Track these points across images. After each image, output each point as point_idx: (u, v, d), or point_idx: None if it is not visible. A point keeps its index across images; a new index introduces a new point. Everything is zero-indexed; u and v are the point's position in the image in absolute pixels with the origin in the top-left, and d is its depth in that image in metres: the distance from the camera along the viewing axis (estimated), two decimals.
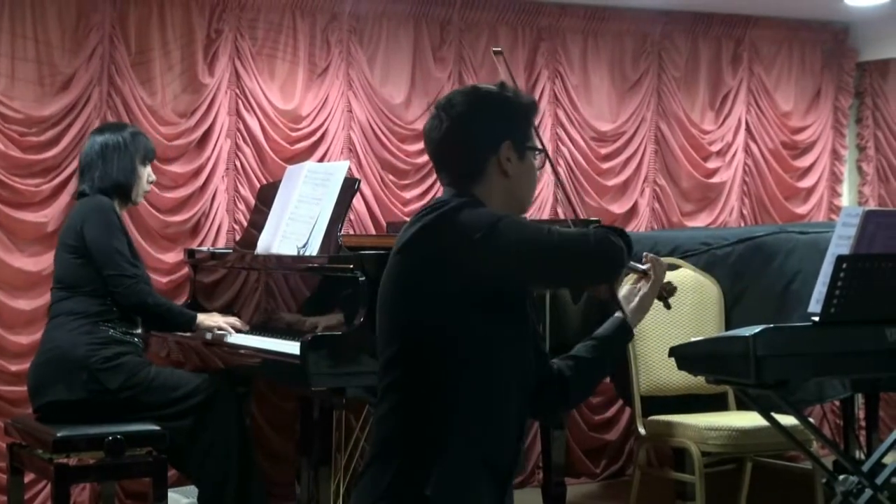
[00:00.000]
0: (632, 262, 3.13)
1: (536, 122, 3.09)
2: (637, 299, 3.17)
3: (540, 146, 3.06)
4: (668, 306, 3.29)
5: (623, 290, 3.17)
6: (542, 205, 6.83)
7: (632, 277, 3.22)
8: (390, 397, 2.86)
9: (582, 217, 6.70)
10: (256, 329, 5.25)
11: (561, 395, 3.10)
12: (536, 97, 6.85)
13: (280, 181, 5.68)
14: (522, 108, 3.02)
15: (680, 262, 5.84)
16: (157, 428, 4.93)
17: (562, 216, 6.84)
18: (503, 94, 3.01)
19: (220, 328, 5.22)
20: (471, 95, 3.00)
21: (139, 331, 5.25)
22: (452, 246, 2.79)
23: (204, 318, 5.27)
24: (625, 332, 3.14)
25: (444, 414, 2.80)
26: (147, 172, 5.38)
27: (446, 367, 2.81)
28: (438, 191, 6.32)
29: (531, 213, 6.64)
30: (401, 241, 2.89)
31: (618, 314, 3.14)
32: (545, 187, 6.84)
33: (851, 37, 7.76)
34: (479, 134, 2.95)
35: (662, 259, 3.25)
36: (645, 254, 3.25)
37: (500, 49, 3.58)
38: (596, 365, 3.13)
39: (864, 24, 7.65)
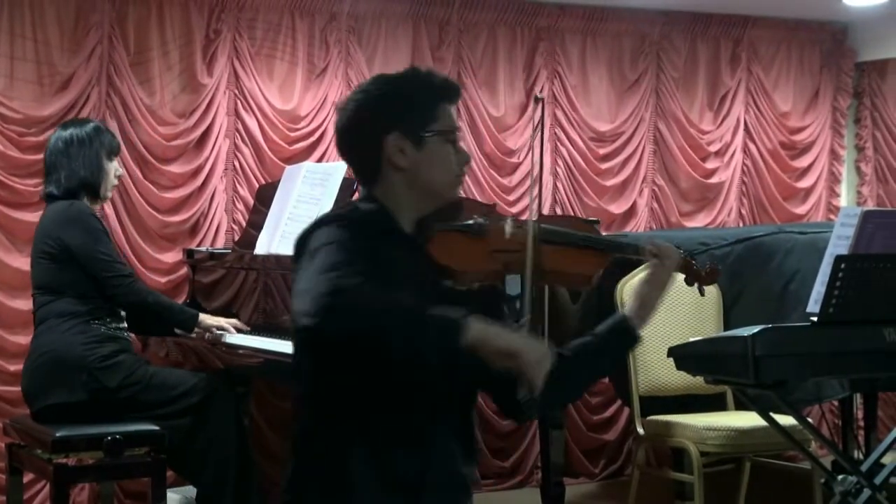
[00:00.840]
0: (624, 242, 3.00)
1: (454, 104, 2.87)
2: (638, 296, 2.97)
3: (447, 128, 2.82)
4: (701, 293, 3.13)
5: (634, 283, 3.00)
6: (541, 204, 6.82)
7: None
8: (295, 399, 2.84)
9: (581, 215, 6.74)
10: (255, 329, 5.25)
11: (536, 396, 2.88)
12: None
13: (279, 181, 5.68)
14: (421, 92, 2.83)
15: None
16: (156, 428, 4.93)
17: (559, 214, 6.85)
18: (396, 81, 2.86)
19: (220, 327, 5.22)
20: (359, 91, 2.86)
21: (125, 325, 5.23)
22: (297, 267, 2.71)
23: (205, 317, 5.28)
24: (625, 332, 2.94)
25: (326, 422, 2.74)
26: (113, 167, 5.27)
27: (324, 377, 2.74)
28: None
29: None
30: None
31: (621, 311, 2.96)
32: (545, 187, 6.83)
33: (850, 37, 7.76)
34: (361, 132, 2.82)
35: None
36: (651, 242, 3.01)
37: (541, 97, 3.34)
38: (583, 365, 2.93)
39: (862, 24, 7.65)
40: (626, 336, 2.94)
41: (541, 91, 6.83)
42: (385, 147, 2.78)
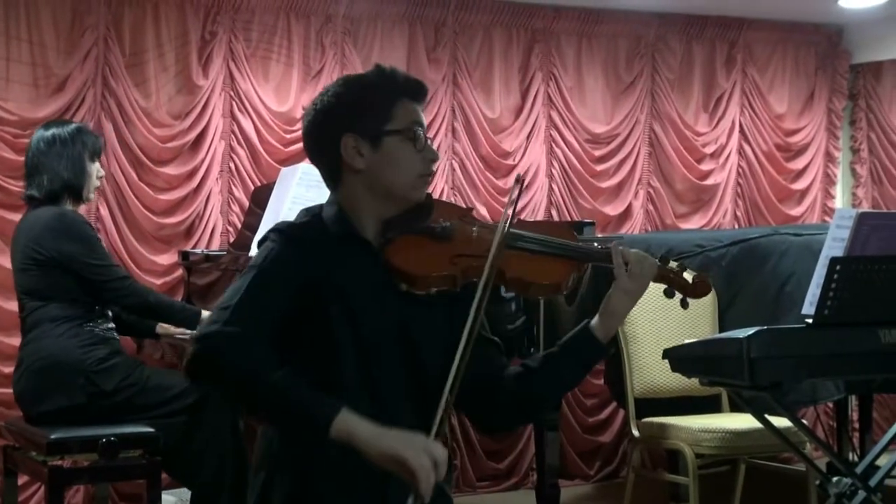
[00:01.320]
0: (588, 249, 2.86)
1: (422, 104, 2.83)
2: (604, 305, 2.81)
3: (405, 127, 2.76)
4: (683, 306, 2.93)
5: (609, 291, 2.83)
6: (536, 208, 6.83)
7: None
8: None
9: (577, 219, 6.74)
10: None
11: (497, 408, 2.84)
12: (531, 99, 6.86)
13: (274, 183, 5.67)
14: (378, 92, 2.79)
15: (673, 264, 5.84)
16: (151, 430, 4.92)
17: (555, 217, 6.85)
18: (356, 81, 2.84)
19: None
20: (323, 93, 2.84)
21: (113, 325, 5.21)
22: None
23: (208, 315, 5.26)
24: (588, 342, 2.79)
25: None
26: (96, 168, 5.23)
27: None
28: (433, 192, 6.32)
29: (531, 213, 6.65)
30: None
31: (589, 319, 2.82)
32: (538, 190, 6.84)
33: (845, 39, 7.77)
34: (319, 135, 2.81)
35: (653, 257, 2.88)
36: (613, 245, 2.84)
37: (522, 178, 3.09)
38: (547, 377, 2.82)
39: (857, 26, 7.66)
40: (590, 346, 2.81)
41: (535, 118, 6.84)
42: (342, 148, 2.76)
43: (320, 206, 2.84)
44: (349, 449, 2.50)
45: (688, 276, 2.94)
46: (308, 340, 2.68)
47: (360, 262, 2.74)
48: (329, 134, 2.78)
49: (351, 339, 2.69)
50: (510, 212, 2.72)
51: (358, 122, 2.76)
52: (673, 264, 2.94)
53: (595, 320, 2.81)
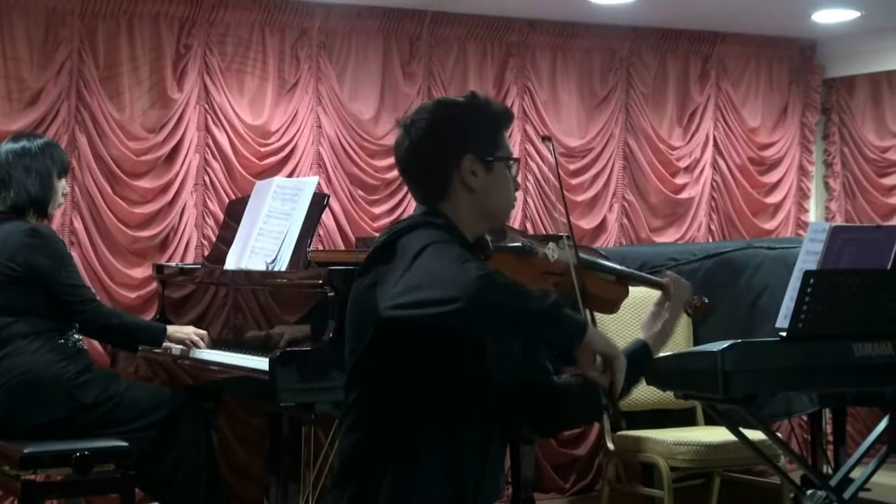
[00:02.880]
0: (649, 277, 3.17)
1: (509, 132, 3.06)
2: (660, 323, 3.13)
3: (510, 154, 2.96)
4: (694, 319, 3.37)
5: (648, 313, 3.16)
6: (511, 221, 6.81)
7: (655, 298, 3.19)
8: (351, 416, 2.85)
9: (551, 232, 6.75)
10: (225, 344, 5.23)
11: (558, 414, 3.06)
12: None
13: (249, 196, 5.67)
14: (488, 118, 2.93)
15: None
16: (125, 444, 4.90)
17: (530, 231, 6.85)
18: (468, 104, 2.94)
19: (190, 339, 5.20)
20: (433, 111, 2.92)
21: (81, 337, 5.19)
22: (386, 270, 2.74)
23: (174, 330, 5.25)
24: (647, 355, 3.09)
25: (393, 435, 2.78)
26: (62, 185, 5.22)
27: (392, 388, 2.79)
28: (408, 206, 6.33)
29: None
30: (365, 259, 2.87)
31: (641, 336, 3.11)
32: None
33: (818, 54, 7.80)
34: (438, 150, 2.89)
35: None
36: (671, 276, 3.20)
37: (548, 137, 3.50)
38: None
39: (830, 41, 7.69)
40: (647, 361, 3.09)
41: (512, 104, 6.85)
42: (461, 168, 2.86)
43: (422, 216, 2.89)
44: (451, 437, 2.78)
45: (691, 298, 3.28)
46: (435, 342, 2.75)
47: None
48: (449, 151, 2.88)
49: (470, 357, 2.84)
50: (553, 160, 3.03)
51: (478, 145, 2.89)
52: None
53: (650, 340, 3.12)
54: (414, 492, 2.76)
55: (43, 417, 4.90)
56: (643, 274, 3.31)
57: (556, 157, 3.37)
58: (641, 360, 3.05)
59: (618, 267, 3.26)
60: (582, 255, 3.11)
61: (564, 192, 6.97)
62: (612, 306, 3.21)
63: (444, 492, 2.79)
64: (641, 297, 3.30)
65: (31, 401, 4.90)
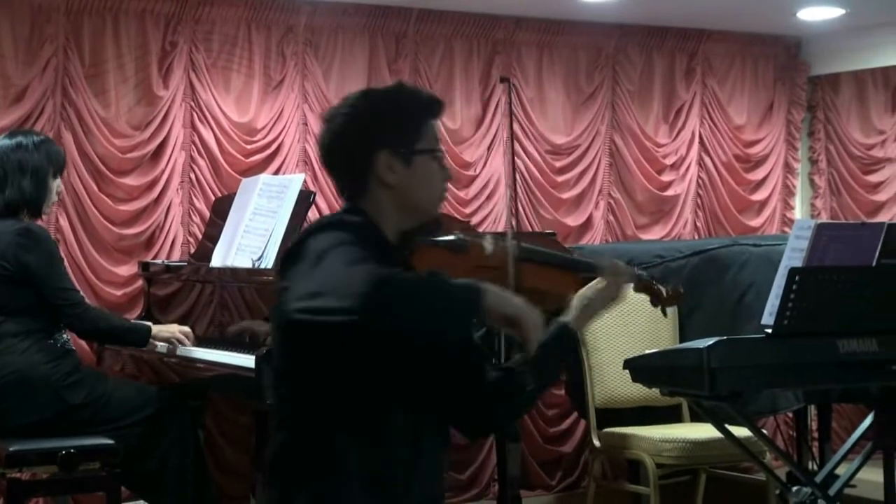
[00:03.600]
0: (585, 260, 3.05)
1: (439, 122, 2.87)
2: (582, 304, 3.00)
3: (433, 147, 2.85)
4: (664, 314, 3.25)
5: (582, 290, 3.02)
6: (497, 218, 6.83)
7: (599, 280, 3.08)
8: (276, 417, 2.80)
9: (537, 229, 6.75)
10: (211, 342, 5.23)
11: (491, 411, 2.94)
12: (491, 110, 6.87)
13: (235, 194, 5.66)
14: (408, 110, 2.84)
15: None
16: (111, 442, 4.89)
17: (516, 229, 6.84)
18: (386, 97, 2.87)
19: (175, 338, 5.19)
20: (352, 104, 2.83)
21: (69, 337, 5.18)
22: (295, 272, 2.68)
23: (159, 330, 5.24)
24: (569, 338, 2.98)
25: (313, 438, 2.71)
26: (57, 184, 5.21)
27: (310, 390, 2.72)
28: None
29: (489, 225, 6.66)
30: (280, 261, 2.82)
31: (561, 317, 2.96)
32: (499, 201, 6.84)
33: (804, 51, 7.81)
34: (352, 146, 2.80)
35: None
36: (611, 261, 3.09)
37: (506, 77, 3.33)
38: (528, 373, 2.90)
39: (816, 38, 7.70)
40: (567, 337, 2.97)
41: (497, 126, 6.85)
42: (375, 164, 2.78)
43: (338, 215, 2.85)
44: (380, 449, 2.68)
45: (662, 287, 3.21)
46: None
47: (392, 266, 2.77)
48: (362, 147, 2.80)
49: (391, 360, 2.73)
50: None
51: (393, 139, 2.79)
52: (647, 276, 3.22)
53: (573, 317, 2.98)
54: (334, 498, 2.68)
55: (30, 417, 4.89)
56: (579, 258, 3.17)
57: (510, 101, 3.20)
58: (562, 341, 2.96)
59: (559, 254, 3.12)
60: (524, 245, 2.99)
61: (550, 189, 6.99)
62: (558, 299, 3.02)
63: (367, 499, 2.68)
64: (639, 298, 3.24)
65: (19, 401, 4.89)
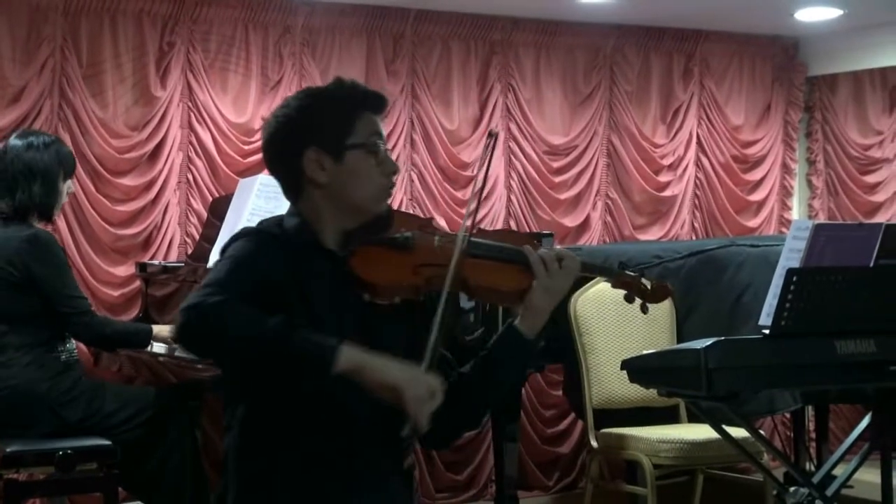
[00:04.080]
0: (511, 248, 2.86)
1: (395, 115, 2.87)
2: (526, 303, 2.83)
3: (365, 141, 2.77)
4: (643, 310, 3.01)
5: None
6: (495, 219, 6.84)
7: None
8: (226, 419, 2.82)
9: (535, 230, 6.75)
10: None
11: (452, 419, 2.79)
12: (489, 111, 6.87)
13: (232, 194, 5.66)
14: (336, 104, 2.79)
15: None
16: (108, 442, 4.88)
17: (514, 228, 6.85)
18: (318, 94, 2.83)
19: (173, 338, 5.18)
20: (284, 105, 2.82)
21: (74, 344, 5.16)
22: None
23: (159, 330, 5.23)
24: (515, 338, 2.81)
25: (244, 445, 2.75)
26: (67, 186, 5.16)
27: (238, 397, 2.76)
28: (393, 203, 6.31)
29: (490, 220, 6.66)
30: None
31: (513, 319, 2.84)
32: (497, 201, 6.85)
33: (801, 51, 7.82)
34: (281, 147, 2.79)
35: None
36: (526, 247, 2.86)
37: (496, 132, 3.10)
38: (480, 382, 2.85)
39: (813, 39, 7.71)
40: (518, 343, 2.82)
41: (495, 126, 6.85)
42: (304, 163, 2.76)
43: (281, 217, 2.84)
44: (310, 462, 2.61)
45: (646, 281, 3.02)
46: None
47: (322, 271, 2.74)
48: (290, 147, 2.77)
49: None
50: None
51: (320, 136, 2.75)
52: (630, 272, 3.03)
53: (518, 318, 2.84)
54: (263, 477, 2.69)
55: (27, 434, 4.86)
56: (510, 248, 2.90)
57: (491, 154, 2.97)
58: (510, 344, 2.82)
59: (508, 247, 2.89)
60: (474, 240, 2.83)
61: (548, 189, 7.00)
62: (513, 297, 2.87)
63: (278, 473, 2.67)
64: (608, 303, 3.14)
65: (15, 418, 4.85)
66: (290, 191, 2.83)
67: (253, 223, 5.23)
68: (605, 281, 3.06)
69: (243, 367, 2.57)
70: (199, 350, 2.59)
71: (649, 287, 3.02)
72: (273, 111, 2.86)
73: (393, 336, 2.78)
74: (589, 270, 2.98)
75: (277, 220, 2.83)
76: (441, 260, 2.78)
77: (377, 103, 2.84)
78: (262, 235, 2.75)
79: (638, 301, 3.01)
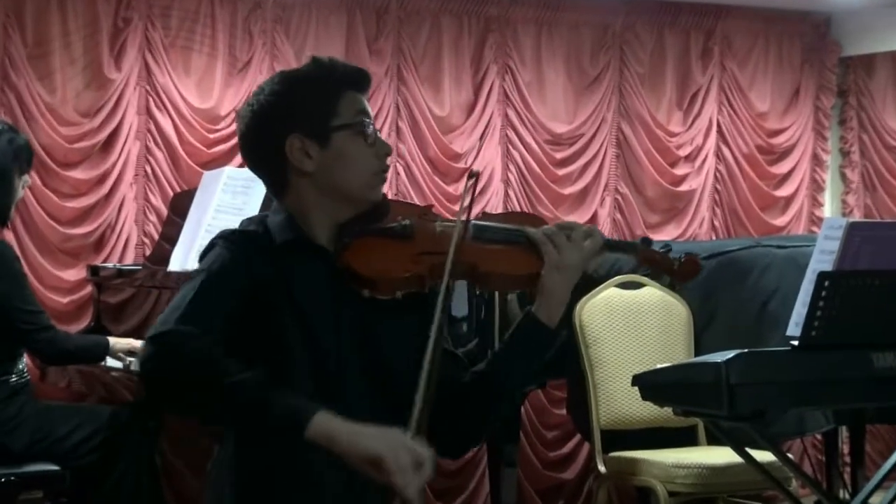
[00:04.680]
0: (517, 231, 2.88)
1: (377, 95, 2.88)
2: (538, 284, 2.84)
3: (351, 121, 2.79)
4: (674, 287, 3.11)
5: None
6: (494, 210, 6.83)
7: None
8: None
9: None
10: None
11: (469, 421, 2.87)
12: (484, 95, 6.87)
13: (196, 189, 5.66)
14: (316, 86, 2.81)
15: (643, 279, 5.86)
16: (56, 468, 4.88)
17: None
18: (294, 77, 2.84)
19: (132, 350, 5.18)
20: (257, 93, 2.83)
21: (24, 362, 5.15)
22: None
23: (115, 342, 5.23)
24: (534, 325, 2.82)
25: (230, 452, 2.81)
26: (24, 181, 5.18)
27: None
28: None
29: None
30: None
31: (530, 307, 2.85)
32: (493, 196, 6.85)
33: (834, 29, 7.83)
34: (260, 137, 2.80)
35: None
36: (551, 226, 2.89)
37: (477, 172, 3.08)
38: (500, 375, 2.85)
39: (847, 15, 7.72)
40: (536, 331, 2.83)
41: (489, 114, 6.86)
42: (287, 151, 2.77)
43: (265, 215, 2.86)
44: (313, 465, 2.63)
45: (673, 257, 3.05)
46: (260, 355, 2.66)
47: (314, 269, 2.76)
48: (270, 137, 2.78)
49: (306, 352, 2.71)
50: (467, 201, 2.74)
51: (302, 121, 2.77)
52: (654, 248, 3.06)
53: (535, 305, 2.84)
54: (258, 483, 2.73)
55: None
56: (514, 228, 2.92)
57: (472, 198, 2.92)
58: (529, 332, 2.83)
59: (513, 228, 2.90)
60: (477, 223, 2.86)
61: (550, 183, 7.00)
62: (527, 280, 2.88)
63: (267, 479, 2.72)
64: (639, 301, 3.18)
65: None
66: (274, 185, 2.85)
67: (219, 220, 5.30)
68: (628, 258, 3.09)
69: (206, 410, 2.57)
70: (159, 391, 2.57)
71: (677, 264, 3.04)
72: (247, 100, 2.86)
73: (398, 335, 2.80)
74: (612, 248, 3.00)
75: (260, 218, 2.84)
76: (444, 247, 2.77)
77: (360, 80, 2.87)
78: (242, 237, 2.77)
79: (667, 279, 3.07)
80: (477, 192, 2.79)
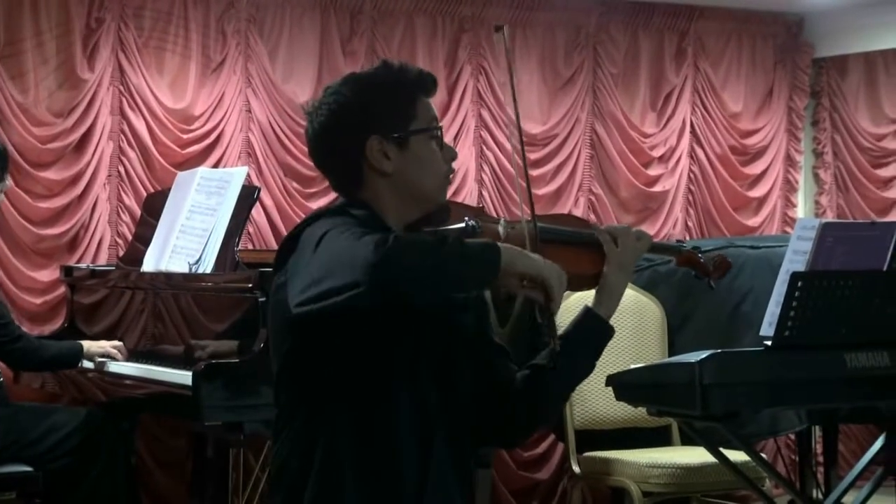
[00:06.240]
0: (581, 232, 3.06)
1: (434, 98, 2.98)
2: (601, 282, 3.04)
3: (428, 125, 2.91)
4: (710, 286, 3.29)
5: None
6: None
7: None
8: (277, 428, 2.87)
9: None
10: (143, 356, 5.21)
11: (513, 417, 3.00)
12: (458, 96, 6.88)
13: (169, 189, 5.65)
14: (395, 90, 2.91)
15: None
16: (29, 469, 4.87)
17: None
18: (369, 79, 2.93)
19: (106, 353, 5.17)
20: (335, 92, 2.90)
21: None
22: (293, 265, 2.75)
23: (89, 346, 5.22)
24: (596, 322, 3.01)
25: (314, 448, 2.79)
26: (2, 186, 5.19)
27: (312, 397, 2.80)
28: None
29: None
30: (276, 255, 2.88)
31: (587, 303, 3.02)
32: (467, 197, 6.85)
33: (807, 30, 7.85)
34: (339, 137, 2.88)
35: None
36: (594, 224, 3.15)
37: (501, 26, 3.23)
38: (561, 371, 2.97)
39: (820, 16, 7.74)
40: (598, 328, 3.01)
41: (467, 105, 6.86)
42: (367, 152, 2.84)
43: (344, 203, 2.91)
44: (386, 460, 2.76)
45: (707, 258, 3.32)
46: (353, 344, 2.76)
47: None
48: (350, 137, 2.86)
49: (399, 342, 2.81)
50: (506, 57, 2.90)
51: (382, 124, 2.86)
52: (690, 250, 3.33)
53: (594, 302, 3.02)
54: None
55: None
56: (581, 231, 3.14)
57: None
58: (591, 329, 3.01)
59: (578, 231, 3.11)
60: (542, 226, 2.99)
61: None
62: (590, 280, 3.06)
63: None
64: (623, 306, 3.23)
65: None
66: (348, 182, 2.91)
67: (193, 222, 5.30)
68: (669, 259, 3.37)
69: (438, 289, 2.70)
70: (409, 283, 2.61)
71: (712, 265, 3.29)
72: (320, 99, 2.92)
73: (465, 334, 2.94)
74: (657, 249, 3.28)
75: (342, 206, 2.89)
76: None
77: (431, 86, 2.96)
78: (347, 213, 2.84)
79: (705, 279, 3.33)
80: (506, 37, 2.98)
